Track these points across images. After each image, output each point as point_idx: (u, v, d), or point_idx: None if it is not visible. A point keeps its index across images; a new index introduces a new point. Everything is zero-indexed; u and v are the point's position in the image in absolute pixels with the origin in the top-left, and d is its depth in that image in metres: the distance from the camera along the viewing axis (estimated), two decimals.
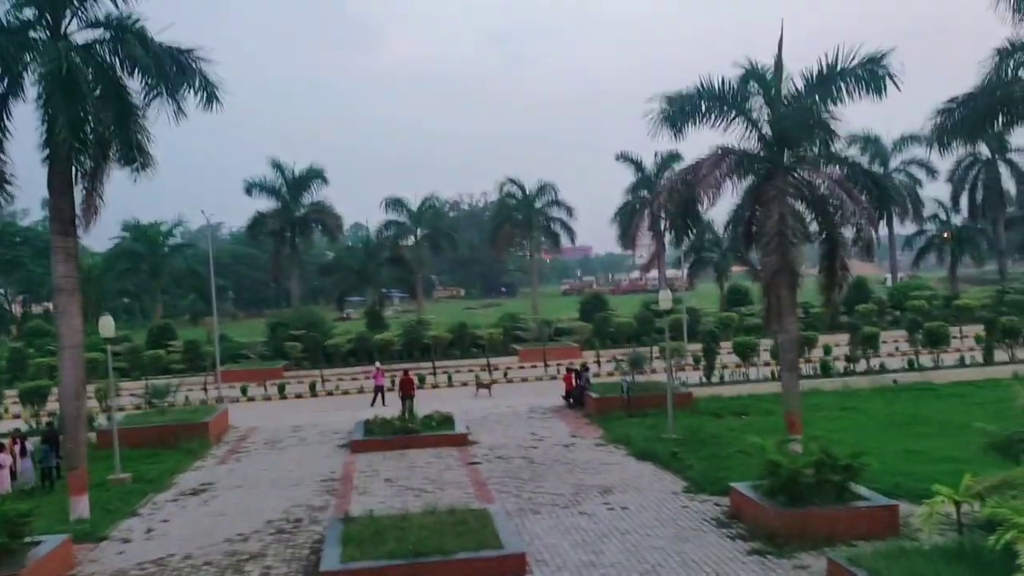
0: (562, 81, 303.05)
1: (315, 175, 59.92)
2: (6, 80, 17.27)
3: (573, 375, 30.26)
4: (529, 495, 17.86)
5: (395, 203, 66.10)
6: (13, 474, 19.85)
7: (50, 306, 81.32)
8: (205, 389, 37.54)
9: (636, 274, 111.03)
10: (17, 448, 20.58)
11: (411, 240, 68.00)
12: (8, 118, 17.64)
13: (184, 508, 18.39)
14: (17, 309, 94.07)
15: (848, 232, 20.07)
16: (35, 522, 14.13)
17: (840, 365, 33.71)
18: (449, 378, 38.58)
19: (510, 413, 28.88)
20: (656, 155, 56.79)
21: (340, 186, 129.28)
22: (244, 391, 37.35)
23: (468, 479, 19.64)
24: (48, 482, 20.41)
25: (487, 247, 73.91)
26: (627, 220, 59.63)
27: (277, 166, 59.26)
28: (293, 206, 59.53)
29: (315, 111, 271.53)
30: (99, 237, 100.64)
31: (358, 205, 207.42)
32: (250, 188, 58.82)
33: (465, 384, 37.03)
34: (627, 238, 60.58)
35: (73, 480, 17.76)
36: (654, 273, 67.97)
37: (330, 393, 37.06)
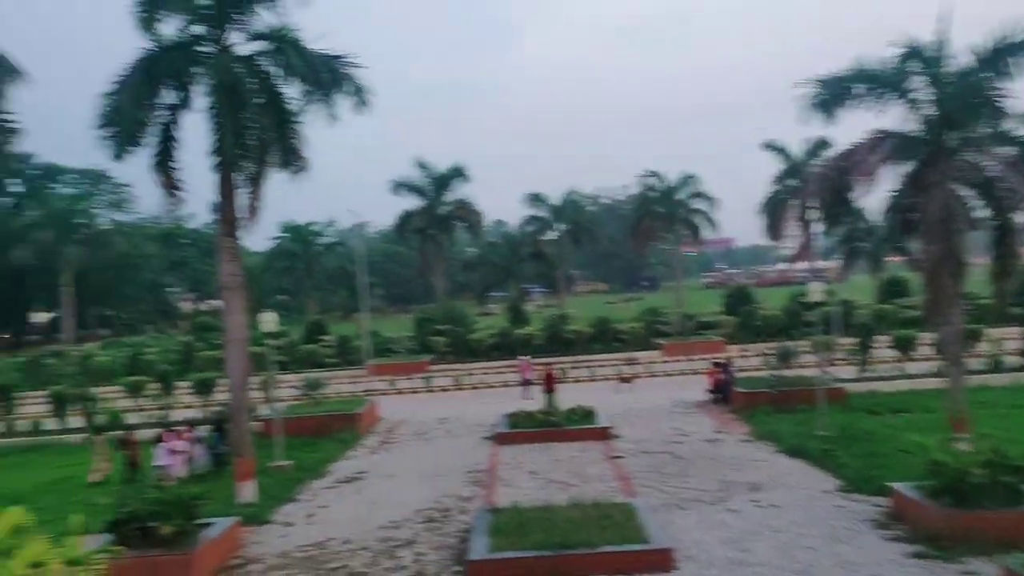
0: (699, 69, 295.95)
1: (457, 173, 61.29)
2: (178, 92, 18.58)
3: (718, 370, 29.61)
4: (674, 490, 17.62)
5: (535, 198, 66.66)
6: (188, 460, 21.37)
7: (216, 303, 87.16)
8: (356, 382, 39.18)
9: (783, 266, 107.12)
10: (190, 435, 22.17)
11: (552, 235, 68.40)
12: (179, 128, 18.94)
13: (340, 495, 19.23)
14: (186, 306, 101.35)
15: (1021, 217, 18.60)
16: (206, 505, 15.08)
17: (1014, 360, 31.35)
18: (591, 372, 38.59)
19: (653, 408, 28.57)
20: (804, 143, 54.69)
21: (481, 183, 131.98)
22: (392, 384, 38.70)
23: (611, 473, 19.59)
24: (218, 467, 21.82)
25: (628, 241, 73.22)
26: (773, 210, 57.58)
27: (422, 165, 61.09)
28: (437, 204, 61.16)
29: (455, 109, 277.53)
30: (258, 237, 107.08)
31: (499, 202, 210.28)
32: (397, 187, 60.97)
33: (607, 378, 36.92)
34: (773, 229, 58.47)
35: (240, 466, 18.83)
36: (802, 265, 65.33)
37: (474, 387, 37.85)
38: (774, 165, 57.38)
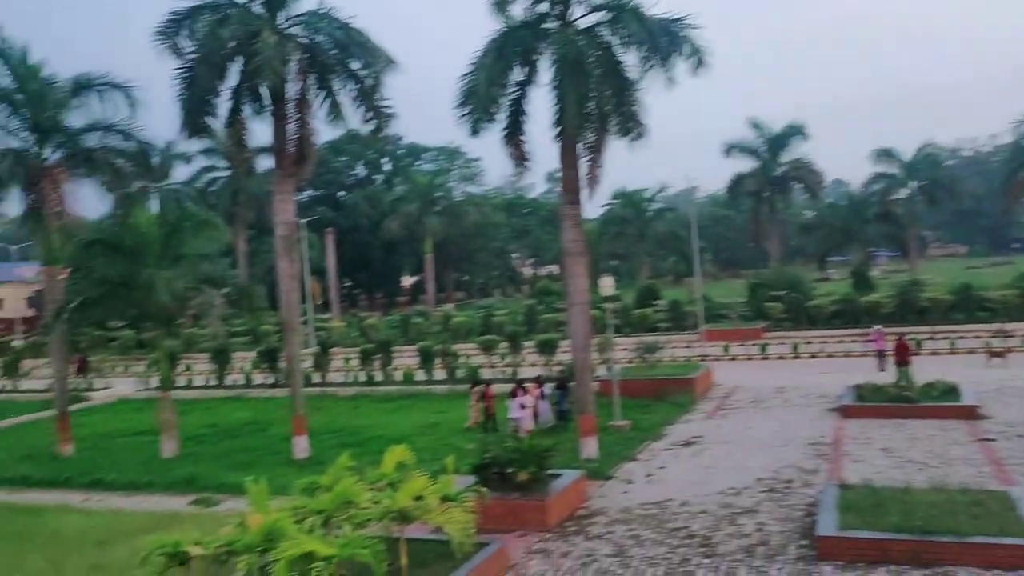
0: None
1: (794, 132, 58.47)
2: (526, 69, 19.68)
3: None
4: None
5: (884, 154, 61.39)
6: (535, 414, 22.87)
7: (555, 268, 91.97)
8: (689, 346, 39.11)
9: None
10: (537, 392, 23.68)
11: (902, 193, 62.63)
12: (528, 102, 20.08)
13: (677, 458, 19.42)
14: (527, 271, 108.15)
15: None
16: (556, 457, 16.02)
17: None
18: (951, 344, 34.86)
19: None
20: None
21: (819, 142, 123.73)
22: (726, 350, 38.08)
23: (981, 456, 17.59)
24: (562, 423, 23.07)
25: (995, 198, 64.66)
26: None
27: (756, 126, 59.06)
28: (771, 165, 58.82)
29: (789, 67, 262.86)
30: (591, 205, 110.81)
31: (837, 160, 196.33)
32: (729, 150, 59.59)
33: (972, 351, 33.07)
34: None
35: (583, 423, 19.71)
36: None
37: (813, 356, 35.98)
38: None
